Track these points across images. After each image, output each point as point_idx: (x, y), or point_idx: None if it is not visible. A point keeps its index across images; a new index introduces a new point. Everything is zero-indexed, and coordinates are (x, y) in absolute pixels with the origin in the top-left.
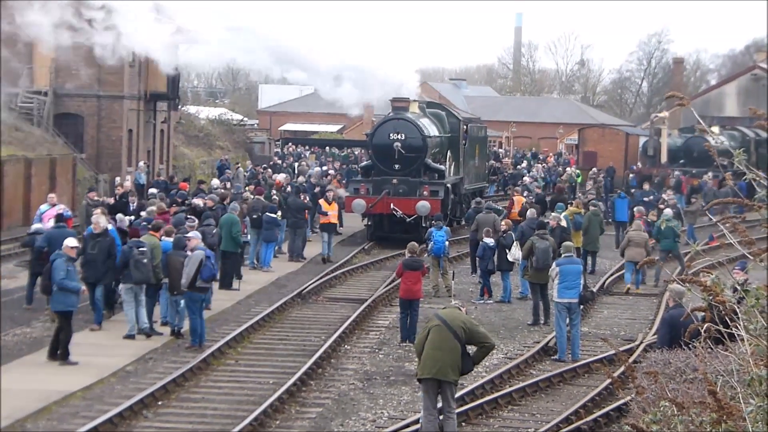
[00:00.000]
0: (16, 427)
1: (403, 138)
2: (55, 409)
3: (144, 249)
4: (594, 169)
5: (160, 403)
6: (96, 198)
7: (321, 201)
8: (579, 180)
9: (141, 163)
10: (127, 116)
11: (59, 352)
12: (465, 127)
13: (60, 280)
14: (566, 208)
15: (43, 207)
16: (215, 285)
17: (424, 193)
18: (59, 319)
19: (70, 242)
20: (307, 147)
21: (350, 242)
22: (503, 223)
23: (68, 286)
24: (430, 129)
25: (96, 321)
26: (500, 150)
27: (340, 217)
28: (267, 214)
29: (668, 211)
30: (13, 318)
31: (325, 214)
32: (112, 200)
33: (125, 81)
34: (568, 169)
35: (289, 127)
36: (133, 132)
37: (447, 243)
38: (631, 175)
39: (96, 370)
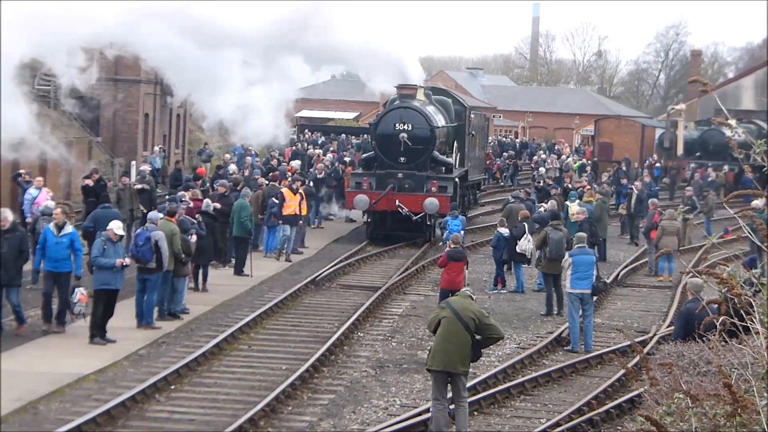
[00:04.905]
0: (28, 409)
1: (409, 128)
2: (68, 391)
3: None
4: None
5: (172, 387)
6: (128, 182)
7: (285, 190)
8: (576, 168)
9: (156, 148)
10: (143, 100)
11: (93, 330)
12: (471, 115)
13: (93, 258)
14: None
15: (33, 192)
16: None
17: (432, 188)
18: (96, 297)
19: (115, 225)
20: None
21: (346, 239)
22: (520, 213)
23: (99, 263)
24: (437, 118)
25: (21, 322)
26: (516, 140)
27: (310, 209)
28: (272, 199)
29: (757, 202)
30: (26, 300)
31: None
32: (90, 182)
33: (142, 65)
34: (562, 157)
35: (305, 113)
36: (149, 116)
37: (462, 232)
38: (656, 164)
39: (109, 354)
